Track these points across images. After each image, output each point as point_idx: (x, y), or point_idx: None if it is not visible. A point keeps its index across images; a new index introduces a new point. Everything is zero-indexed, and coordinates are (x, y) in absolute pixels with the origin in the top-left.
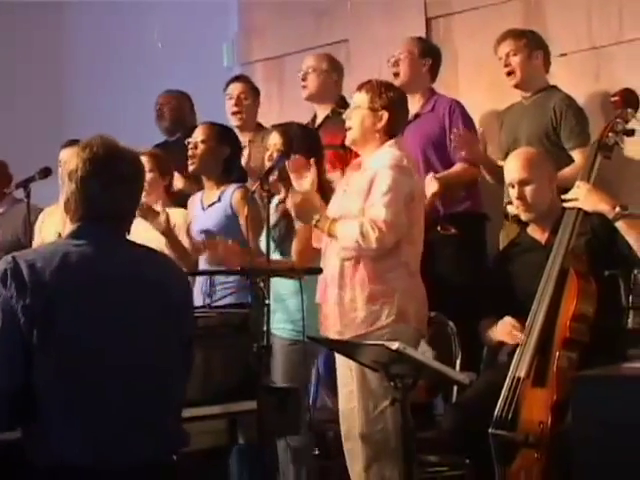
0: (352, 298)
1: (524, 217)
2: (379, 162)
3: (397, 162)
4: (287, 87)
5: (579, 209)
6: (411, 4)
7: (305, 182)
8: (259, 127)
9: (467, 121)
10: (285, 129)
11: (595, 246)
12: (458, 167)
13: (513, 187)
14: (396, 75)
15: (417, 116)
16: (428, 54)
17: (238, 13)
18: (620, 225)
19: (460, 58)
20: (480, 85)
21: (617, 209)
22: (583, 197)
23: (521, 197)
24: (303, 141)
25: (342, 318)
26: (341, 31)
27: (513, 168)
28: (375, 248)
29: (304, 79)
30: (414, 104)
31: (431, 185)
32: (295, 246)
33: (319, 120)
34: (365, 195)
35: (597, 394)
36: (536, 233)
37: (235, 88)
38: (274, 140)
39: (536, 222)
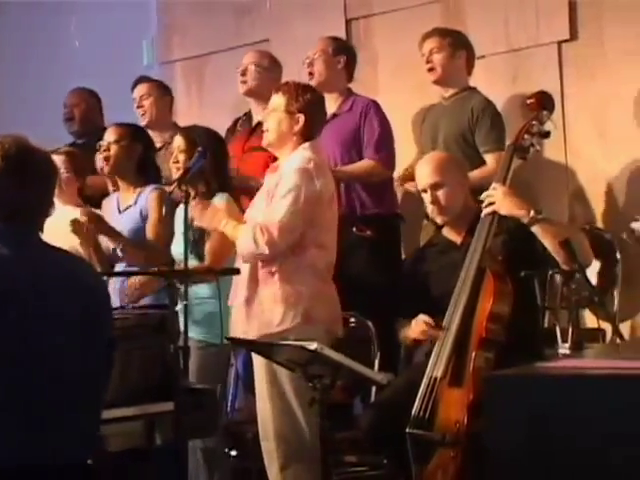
0: (260, 299)
1: (439, 220)
2: (289, 165)
3: (303, 165)
4: (207, 87)
5: (495, 211)
6: (331, 5)
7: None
8: (175, 127)
9: (383, 121)
10: (188, 132)
11: (511, 247)
12: (364, 163)
13: (426, 192)
14: (311, 75)
15: (335, 116)
16: (341, 52)
17: (157, 12)
18: (536, 229)
19: (380, 59)
20: (399, 86)
21: (532, 214)
22: (499, 201)
23: (435, 201)
24: (207, 144)
25: (249, 319)
26: (262, 31)
27: (424, 173)
28: (267, 253)
29: (243, 74)
30: (331, 104)
31: None
32: (208, 247)
33: (256, 119)
34: (271, 197)
35: (509, 394)
36: (451, 234)
37: (137, 91)
38: (177, 143)
39: (451, 224)
